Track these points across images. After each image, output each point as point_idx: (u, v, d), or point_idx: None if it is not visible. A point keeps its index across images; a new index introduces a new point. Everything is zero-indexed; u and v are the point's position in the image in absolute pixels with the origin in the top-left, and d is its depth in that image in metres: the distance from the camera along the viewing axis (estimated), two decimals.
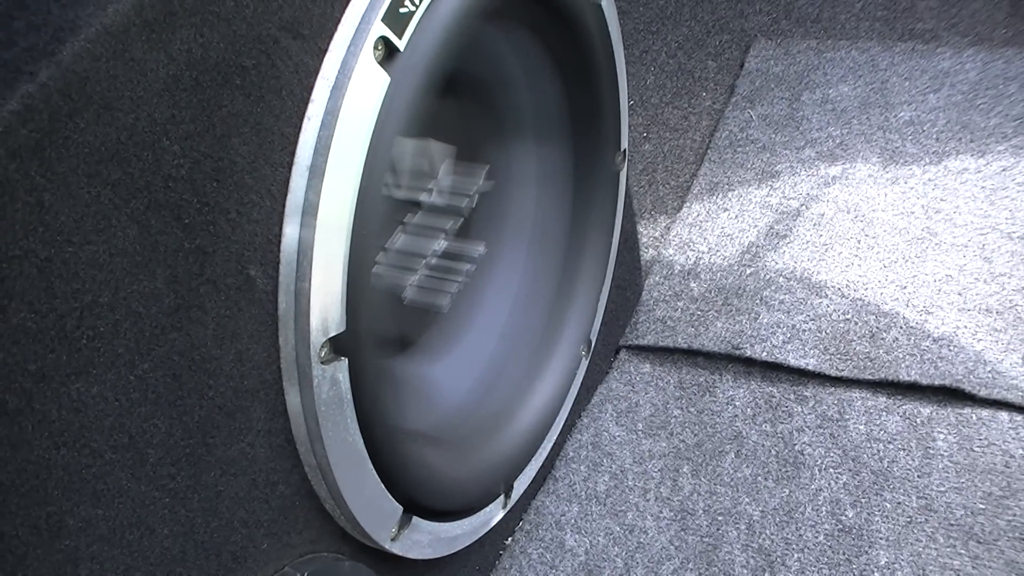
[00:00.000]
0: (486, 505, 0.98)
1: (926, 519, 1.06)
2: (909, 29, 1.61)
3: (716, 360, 1.26)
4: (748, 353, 1.23)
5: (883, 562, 1.04)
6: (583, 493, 1.16)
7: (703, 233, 1.40)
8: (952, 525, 1.05)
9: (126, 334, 0.59)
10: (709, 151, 1.52)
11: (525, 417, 1.03)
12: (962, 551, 1.03)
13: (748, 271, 1.33)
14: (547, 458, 1.13)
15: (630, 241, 1.26)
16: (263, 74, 0.65)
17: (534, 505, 1.15)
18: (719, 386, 1.23)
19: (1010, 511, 1.05)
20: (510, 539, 1.12)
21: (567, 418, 1.15)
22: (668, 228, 1.43)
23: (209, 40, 0.61)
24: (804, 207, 1.39)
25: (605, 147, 1.08)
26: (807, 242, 1.35)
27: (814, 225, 1.36)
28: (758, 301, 1.29)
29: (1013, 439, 1.10)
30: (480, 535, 0.99)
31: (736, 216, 1.41)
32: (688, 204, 1.45)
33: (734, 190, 1.45)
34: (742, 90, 1.59)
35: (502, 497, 1.01)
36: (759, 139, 1.51)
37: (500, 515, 1.02)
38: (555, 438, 1.13)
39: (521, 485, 1.06)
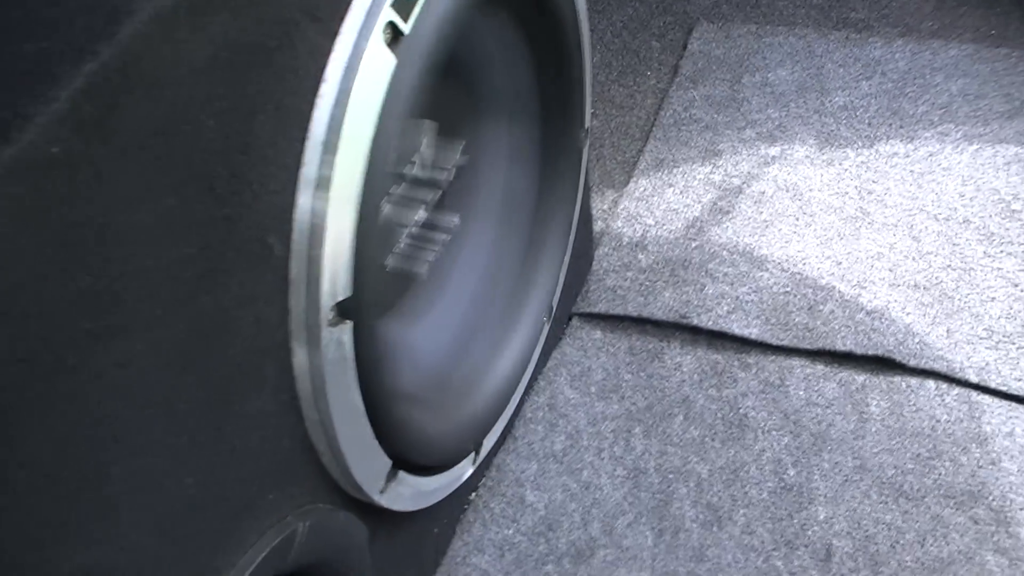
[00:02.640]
0: (459, 461, 1.04)
1: (861, 477, 1.15)
2: (843, 18, 1.70)
3: (664, 328, 1.33)
4: (695, 322, 1.31)
5: (822, 517, 1.13)
6: (541, 452, 1.22)
7: (650, 207, 1.47)
8: (884, 483, 1.14)
9: (165, 296, 0.63)
10: (654, 129, 1.59)
11: (494, 379, 1.09)
12: (893, 507, 1.12)
13: (693, 244, 1.40)
14: (508, 420, 1.20)
15: (584, 214, 1.32)
16: (284, 55, 0.70)
17: (495, 463, 1.21)
18: (667, 353, 1.31)
19: (936, 471, 1.14)
20: (474, 494, 1.18)
21: (528, 381, 1.22)
22: (616, 202, 1.50)
23: (242, 23, 0.65)
24: (745, 185, 1.47)
25: (571, 125, 1.13)
26: (749, 218, 1.42)
27: (755, 202, 1.44)
28: (703, 273, 1.36)
29: (939, 405, 1.19)
30: (453, 489, 1.05)
31: (681, 192, 1.48)
32: (635, 179, 1.52)
33: (679, 167, 1.52)
34: (685, 71, 1.66)
35: (472, 454, 1.07)
36: (702, 118, 1.58)
37: (470, 471, 1.08)
38: (517, 400, 1.19)
39: (487, 444, 1.12)
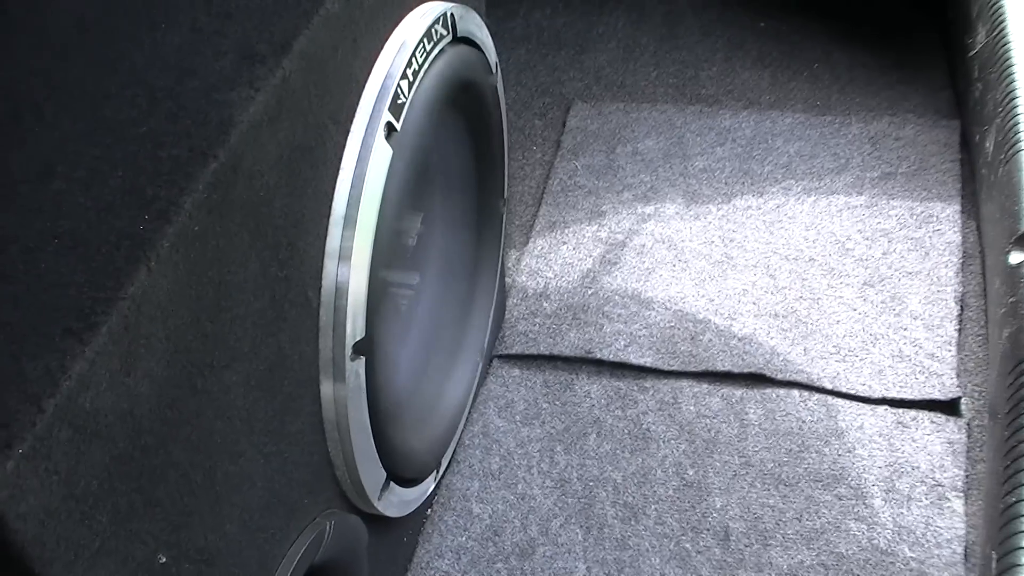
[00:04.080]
0: (428, 476, 1.25)
1: (746, 472, 1.40)
2: (696, 94, 1.99)
3: (572, 363, 1.57)
4: (598, 355, 1.55)
5: (719, 505, 1.37)
6: (481, 471, 1.44)
7: (548, 263, 1.71)
8: (766, 474, 1.40)
9: (252, 336, 0.83)
10: (544, 195, 1.84)
11: (446, 407, 1.31)
12: (774, 492, 1.38)
13: (589, 292, 1.65)
14: (452, 446, 1.41)
15: (502, 270, 1.55)
16: (318, 150, 0.91)
17: (444, 483, 1.42)
18: (577, 383, 1.54)
19: (805, 461, 1.40)
20: (429, 510, 1.39)
21: (464, 415, 1.43)
22: (519, 260, 1.74)
23: (296, 128, 0.86)
24: (628, 239, 1.72)
25: (495, 195, 1.37)
26: (633, 267, 1.68)
27: (637, 253, 1.70)
28: (600, 315, 1.61)
29: (803, 409, 1.46)
30: (422, 501, 1.25)
31: (574, 248, 1.73)
32: (533, 239, 1.76)
33: (569, 227, 1.77)
34: (567, 144, 1.92)
35: (435, 471, 1.28)
36: (585, 185, 1.84)
37: (433, 485, 1.28)
38: (458, 430, 1.40)
39: (443, 468, 1.33)
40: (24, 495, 0.60)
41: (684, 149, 1.87)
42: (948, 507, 1.34)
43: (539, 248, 1.74)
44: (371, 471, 1.07)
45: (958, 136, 1.80)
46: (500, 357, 1.59)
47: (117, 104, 0.81)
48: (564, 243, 1.74)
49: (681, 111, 1.94)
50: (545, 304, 1.65)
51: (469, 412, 1.50)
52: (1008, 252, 1.25)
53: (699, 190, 1.79)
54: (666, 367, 1.53)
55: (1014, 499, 1.04)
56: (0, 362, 0.63)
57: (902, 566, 1.30)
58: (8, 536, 0.60)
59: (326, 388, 0.98)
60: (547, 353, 1.57)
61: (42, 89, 0.83)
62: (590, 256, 1.71)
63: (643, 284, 1.65)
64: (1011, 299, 1.20)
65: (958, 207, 1.70)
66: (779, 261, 1.66)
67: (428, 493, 1.27)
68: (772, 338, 1.55)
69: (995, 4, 1.54)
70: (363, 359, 0.99)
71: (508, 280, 1.69)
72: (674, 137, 1.89)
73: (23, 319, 0.66)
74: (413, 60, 1.02)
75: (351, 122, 0.96)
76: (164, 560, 0.75)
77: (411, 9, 1.06)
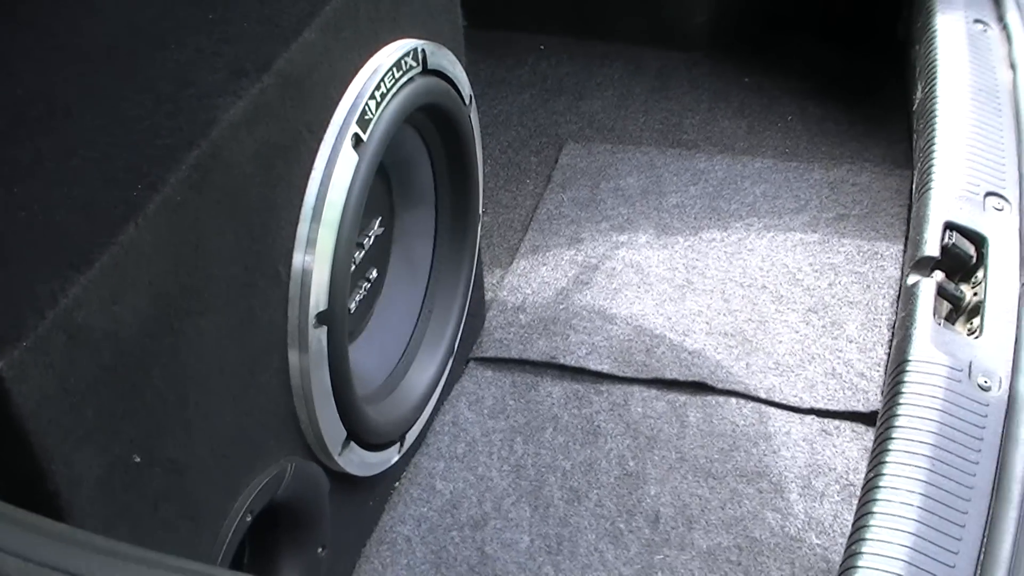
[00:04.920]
0: (390, 447, 1.44)
1: (681, 466, 1.58)
2: (677, 139, 2.19)
3: (539, 366, 1.76)
4: (561, 361, 1.74)
5: (653, 493, 1.55)
6: (447, 454, 1.63)
7: (528, 281, 1.91)
8: (698, 468, 1.57)
9: (225, 294, 1.04)
10: (532, 223, 2.04)
11: (409, 389, 1.50)
12: (703, 484, 1.55)
13: (561, 307, 1.84)
14: (420, 431, 1.60)
15: (478, 282, 1.75)
16: (293, 151, 1.12)
17: (413, 462, 1.61)
18: (541, 384, 1.73)
19: (734, 459, 1.58)
20: (397, 484, 1.58)
21: (436, 405, 1.62)
22: (502, 278, 1.93)
23: (272, 129, 1.07)
24: (600, 263, 1.92)
25: (468, 212, 1.57)
26: (602, 287, 1.87)
27: (607, 276, 1.89)
28: (568, 327, 1.80)
29: (738, 415, 1.64)
30: (385, 467, 1.44)
31: (552, 269, 1.93)
32: (517, 261, 1.96)
33: (550, 251, 1.97)
34: (556, 179, 2.12)
35: (398, 444, 1.47)
36: (569, 215, 2.04)
37: (396, 457, 1.47)
38: (428, 417, 1.60)
39: (407, 443, 1.52)
40: (27, 378, 0.80)
41: (661, 187, 2.06)
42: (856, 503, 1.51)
43: (521, 268, 1.93)
44: (332, 429, 1.26)
45: (908, 184, 1.98)
46: (476, 360, 1.78)
47: (129, 105, 1.03)
48: (544, 264, 1.94)
49: (662, 153, 2.14)
50: (521, 316, 1.84)
51: (442, 404, 1.69)
52: (907, 275, 1.43)
53: (670, 223, 1.98)
54: (620, 373, 1.71)
55: (867, 496, 1.20)
56: (16, 283, 0.84)
57: (808, 551, 1.46)
58: (12, 410, 0.81)
59: (292, 351, 1.18)
60: (517, 357, 1.76)
61: (73, 93, 1.05)
62: (565, 276, 1.90)
63: (609, 302, 1.84)
64: (903, 314, 1.37)
65: (901, 247, 1.87)
66: (734, 287, 1.84)
67: (392, 462, 1.46)
68: (719, 353, 1.73)
69: (931, 64, 1.72)
70: (325, 328, 1.19)
71: (490, 295, 1.88)
72: (653, 176, 2.09)
73: (39, 255, 0.87)
74: (382, 84, 1.23)
75: (324, 131, 1.17)
76: (138, 460, 0.95)
77: (386, 43, 1.27)
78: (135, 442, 0.95)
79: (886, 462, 1.18)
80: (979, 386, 1.25)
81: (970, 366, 1.27)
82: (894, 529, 1.11)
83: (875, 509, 1.13)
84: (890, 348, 1.70)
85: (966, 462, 1.18)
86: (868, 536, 1.11)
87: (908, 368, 1.27)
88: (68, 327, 0.84)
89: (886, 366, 1.68)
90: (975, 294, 1.39)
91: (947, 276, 1.41)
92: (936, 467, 1.17)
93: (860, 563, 1.08)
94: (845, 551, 1.14)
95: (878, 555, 1.09)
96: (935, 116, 1.63)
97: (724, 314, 1.80)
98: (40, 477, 0.85)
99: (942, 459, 1.18)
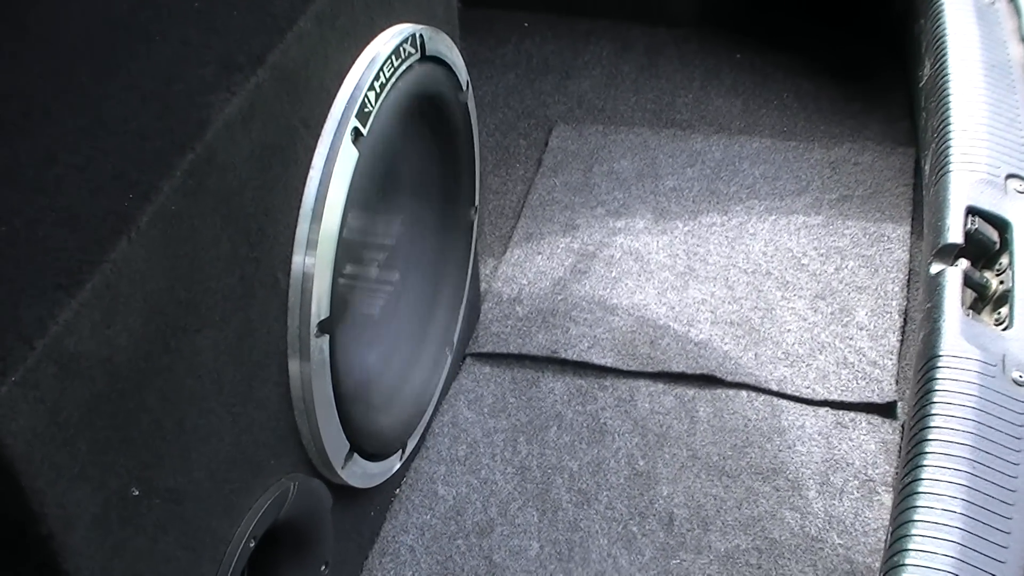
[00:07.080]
0: (392, 455, 1.37)
1: (693, 464, 1.52)
2: (671, 119, 2.12)
3: (539, 361, 1.69)
4: (562, 355, 1.67)
5: (665, 494, 1.49)
6: (448, 457, 1.56)
7: (523, 271, 1.84)
8: (711, 467, 1.51)
9: (222, 306, 0.96)
10: (524, 209, 1.96)
11: (410, 393, 1.43)
12: (717, 483, 1.49)
13: (559, 298, 1.77)
14: (421, 434, 1.53)
15: (474, 274, 1.67)
16: (287, 150, 1.04)
17: (413, 466, 1.54)
18: (542, 380, 1.66)
19: (748, 455, 1.52)
20: (398, 490, 1.51)
21: (435, 405, 1.55)
22: (496, 267, 1.86)
23: (268, 128, 0.99)
24: (598, 251, 1.85)
25: (465, 203, 1.49)
26: (601, 276, 1.80)
27: (606, 264, 1.82)
28: (568, 319, 1.73)
29: (750, 408, 1.58)
30: (387, 477, 1.37)
31: (547, 258, 1.85)
32: (510, 249, 1.89)
33: (545, 239, 1.89)
34: (547, 163, 2.05)
35: (400, 451, 1.40)
36: (562, 200, 1.97)
37: (398, 465, 1.40)
38: (427, 419, 1.52)
39: (408, 449, 1.45)
40: (15, 416, 0.72)
41: (656, 169, 1.99)
42: (877, 500, 1.45)
43: (515, 257, 1.86)
44: (335, 441, 1.19)
45: (912, 163, 1.92)
46: (473, 355, 1.71)
47: (113, 104, 0.94)
48: (539, 253, 1.86)
49: (656, 134, 2.06)
50: (518, 308, 1.77)
51: (441, 404, 1.62)
52: (930, 263, 1.37)
53: (668, 207, 1.92)
54: (625, 367, 1.65)
55: (905, 500, 1.15)
56: (0, 309, 0.76)
57: (830, 551, 1.40)
58: (1, 451, 0.73)
59: (293, 362, 1.10)
60: (516, 352, 1.69)
61: (50, 91, 0.96)
62: (562, 265, 1.83)
63: (609, 292, 1.77)
64: (928, 305, 1.32)
65: (908, 228, 1.81)
66: (738, 274, 1.78)
67: (393, 471, 1.39)
68: (726, 344, 1.67)
69: (939, 40, 1.66)
70: (327, 337, 1.11)
71: (484, 286, 1.81)
72: (648, 158, 2.02)
73: (22, 276, 0.78)
74: (381, 74, 1.15)
75: (321, 127, 1.09)
76: (137, 493, 0.88)
77: (383, 30, 1.19)
78: (132, 473, 0.87)
79: (923, 465, 1.12)
80: (1014, 381, 1.20)
81: (1003, 360, 1.22)
82: (936, 538, 1.06)
83: (916, 517, 1.08)
84: (902, 335, 1.65)
85: (1006, 463, 1.13)
86: (910, 546, 1.05)
87: (939, 364, 1.22)
88: (59, 356, 0.76)
89: (899, 354, 1.62)
90: (1000, 282, 1.34)
91: (971, 264, 1.35)
92: (976, 469, 1.12)
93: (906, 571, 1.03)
94: (886, 560, 1.09)
95: (922, 566, 1.03)
96: (948, 94, 1.57)
97: (729, 302, 1.74)
98: (32, 521, 0.77)
99: (981, 460, 1.13)
